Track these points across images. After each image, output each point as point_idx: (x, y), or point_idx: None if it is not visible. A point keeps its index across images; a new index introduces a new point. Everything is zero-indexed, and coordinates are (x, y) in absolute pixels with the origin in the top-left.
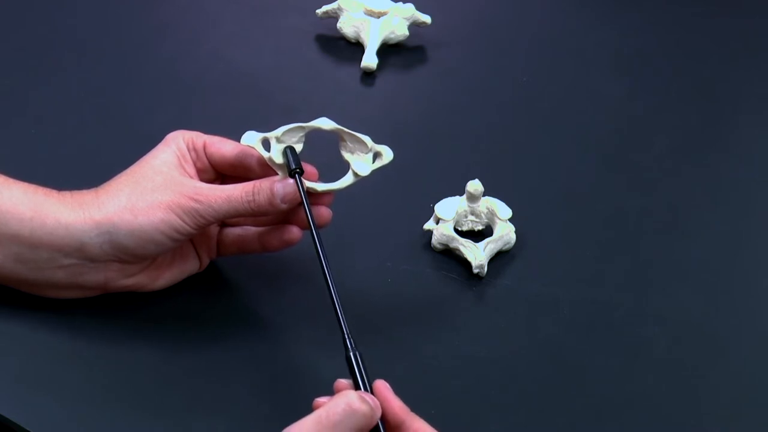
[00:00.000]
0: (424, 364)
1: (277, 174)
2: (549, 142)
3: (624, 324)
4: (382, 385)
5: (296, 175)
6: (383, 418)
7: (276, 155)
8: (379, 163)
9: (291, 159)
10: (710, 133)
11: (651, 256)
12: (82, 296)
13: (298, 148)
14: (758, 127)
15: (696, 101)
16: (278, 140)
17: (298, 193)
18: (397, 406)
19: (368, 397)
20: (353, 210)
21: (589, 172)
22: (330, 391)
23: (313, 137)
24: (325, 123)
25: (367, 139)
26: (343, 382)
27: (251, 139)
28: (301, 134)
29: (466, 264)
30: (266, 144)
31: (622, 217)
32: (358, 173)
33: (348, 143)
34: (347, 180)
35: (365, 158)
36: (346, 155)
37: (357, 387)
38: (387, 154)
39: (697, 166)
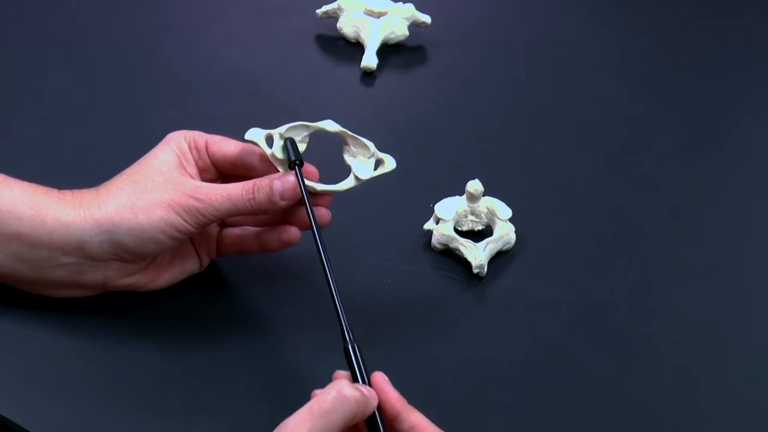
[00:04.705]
0: (424, 364)
1: (279, 171)
2: (549, 142)
3: (624, 324)
4: (379, 377)
5: (296, 167)
6: (380, 409)
7: (278, 151)
8: (381, 171)
9: (291, 150)
10: (710, 133)
11: (651, 256)
12: (82, 295)
13: (302, 147)
14: (758, 127)
15: (696, 101)
16: (282, 137)
17: (296, 190)
18: (394, 398)
19: (363, 386)
20: (353, 210)
21: (589, 172)
22: None
23: (318, 138)
24: (330, 125)
25: (370, 144)
26: (342, 373)
27: (255, 135)
28: (305, 133)
29: (466, 264)
30: (269, 141)
31: (622, 217)
32: (359, 177)
33: (351, 147)
34: (348, 183)
35: (367, 162)
36: (348, 159)
37: (355, 379)
38: (389, 163)
39: (697, 166)
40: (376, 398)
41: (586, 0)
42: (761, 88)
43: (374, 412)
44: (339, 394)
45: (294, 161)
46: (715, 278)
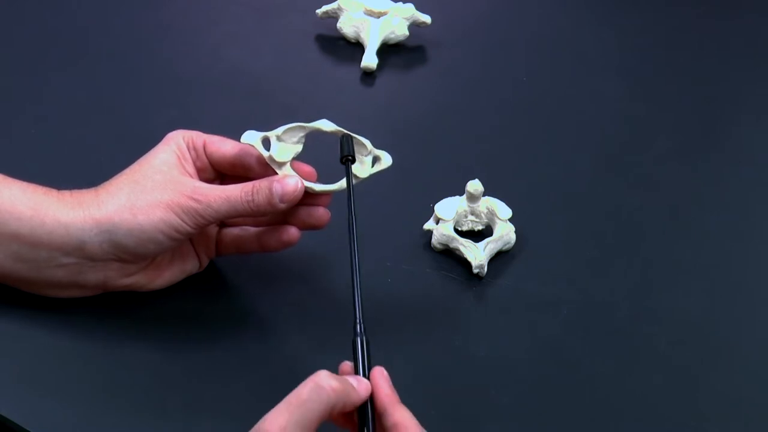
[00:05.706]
0: (424, 364)
1: (277, 173)
2: (549, 142)
3: (624, 324)
4: (377, 371)
5: (347, 162)
6: (372, 403)
7: (276, 153)
8: (378, 168)
9: (346, 146)
10: (710, 133)
11: (651, 256)
12: (82, 295)
13: (299, 148)
14: (758, 127)
15: (696, 101)
16: (278, 139)
17: (296, 193)
18: (384, 393)
19: (354, 378)
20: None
21: (589, 172)
22: None
23: (314, 138)
24: (326, 125)
25: (367, 142)
26: (347, 364)
27: (251, 138)
28: (302, 134)
29: (466, 264)
30: (266, 143)
31: (622, 217)
32: (357, 175)
33: None
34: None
35: (365, 161)
36: None
37: (356, 370)
38: (386, 160)
39: (697, 166)
40: (368, 390)
41: (586, 0)
42: (761, 88)
43: (366, 404)
44: (315, 384)
45: (347, 156)
46: (715, 278)
